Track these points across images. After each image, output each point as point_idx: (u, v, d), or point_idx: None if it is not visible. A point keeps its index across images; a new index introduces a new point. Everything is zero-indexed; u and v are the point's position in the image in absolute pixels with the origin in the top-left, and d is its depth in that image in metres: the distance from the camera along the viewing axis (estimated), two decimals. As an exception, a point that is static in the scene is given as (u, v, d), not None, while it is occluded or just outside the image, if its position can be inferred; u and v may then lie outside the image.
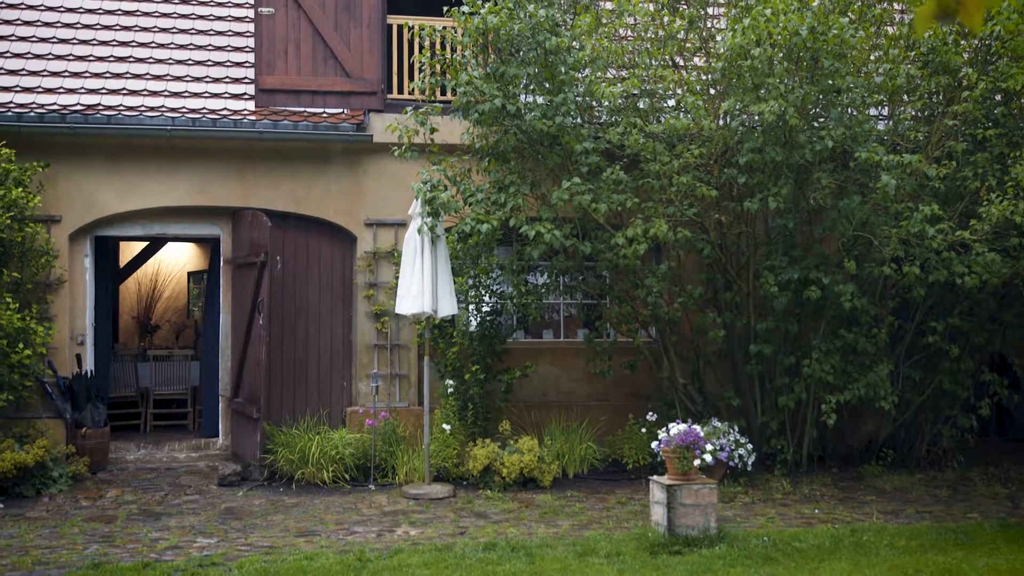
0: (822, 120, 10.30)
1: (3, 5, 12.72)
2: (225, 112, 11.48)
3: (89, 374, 11.20)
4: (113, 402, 12.75)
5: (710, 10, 11.28)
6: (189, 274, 16.42)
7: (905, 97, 10.50)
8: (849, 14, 10.15)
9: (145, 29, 12.80)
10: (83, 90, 11.60)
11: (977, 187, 9.73)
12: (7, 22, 12.50)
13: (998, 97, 10.35)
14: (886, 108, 11.12)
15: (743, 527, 8.34)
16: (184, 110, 11.43)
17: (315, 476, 10.32)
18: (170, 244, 15.44)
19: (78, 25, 12.66)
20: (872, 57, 10.41)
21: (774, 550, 7.39)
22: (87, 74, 11.88)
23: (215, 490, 10.15)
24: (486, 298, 11.57)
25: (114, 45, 12.45)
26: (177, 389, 13.58)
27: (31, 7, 12.77)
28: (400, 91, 12.09)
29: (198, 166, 11.48)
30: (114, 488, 10.14)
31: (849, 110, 10.29)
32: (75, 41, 12.41)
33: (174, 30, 12.88)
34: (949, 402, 11.26)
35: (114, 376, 13.16)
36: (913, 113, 10.71)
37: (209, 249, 13.39)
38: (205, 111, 11.45)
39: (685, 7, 10.86)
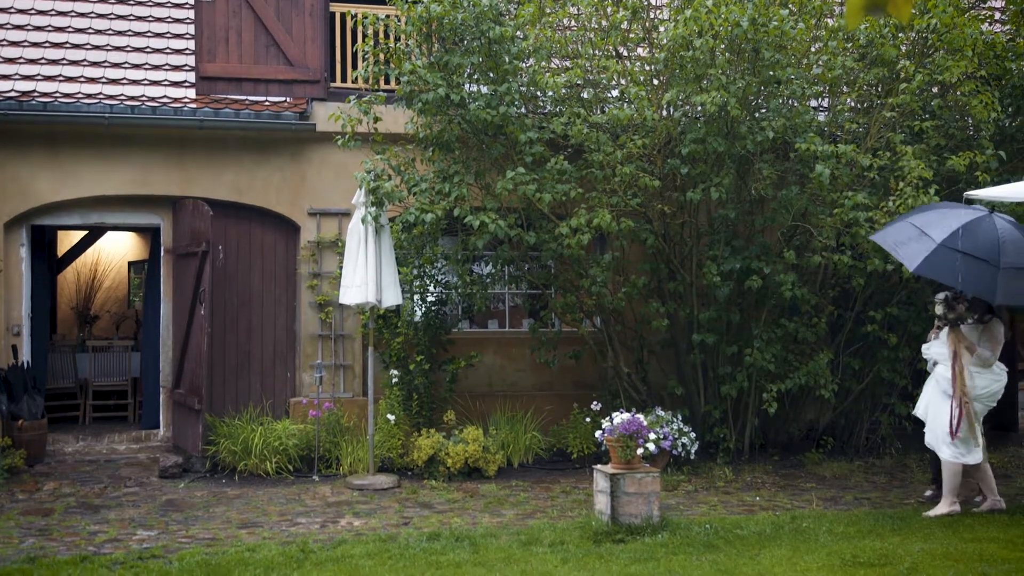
0: (763, 111, 10.40)
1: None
2: (165, 100, 11.30)
3: (25, 365, 10.99)
4: (51, 394, 12.54)
5: (653, 0, 11.32)
6: (130, 264, 16.17)
7: (844, 88, 10.63)
8: (789, 6, 10.25)
9: (82, 15, 12.55)
10: (17, 76, 11.35)
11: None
12: (-62, 6, 12.21)
13: (935, 89, 10.52)
14: (826, 99, 11.26)
15: (686, 515, 8.41)
16: (123, 97, 11.24)
17: (258, 467, 10.23)
18: (110, 233, 15.20)
19: (12, 10, 12.37)
20: (812, 49, 10.53)
21: (716, 537, 7.46)
22: (21, 60, 11.63)
23: (156, 482, 10.02)
24: (431, 288, 11.54)
25: (50, 31, 12.19)
26: (117, 380, 13.37)
27: (-37, -9, 12.48)
28: (343, 80, 12.00)
29: (138, 154, 11.29)
30: (52, 481, 9.97)
31: (789, 101, 10.42)
32: (9, 26, 12.14)
33: (112, 16, 12.64)
34: (887, 390, 11.44)
35: (52, 367, 12.92)
36: (852, 104, 10.84)
37: (150, 239, 13.19)
38: (144, 98, 11.27)
39: (629, -3, 10.89)
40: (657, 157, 10.42)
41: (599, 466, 8.05)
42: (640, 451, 7.83)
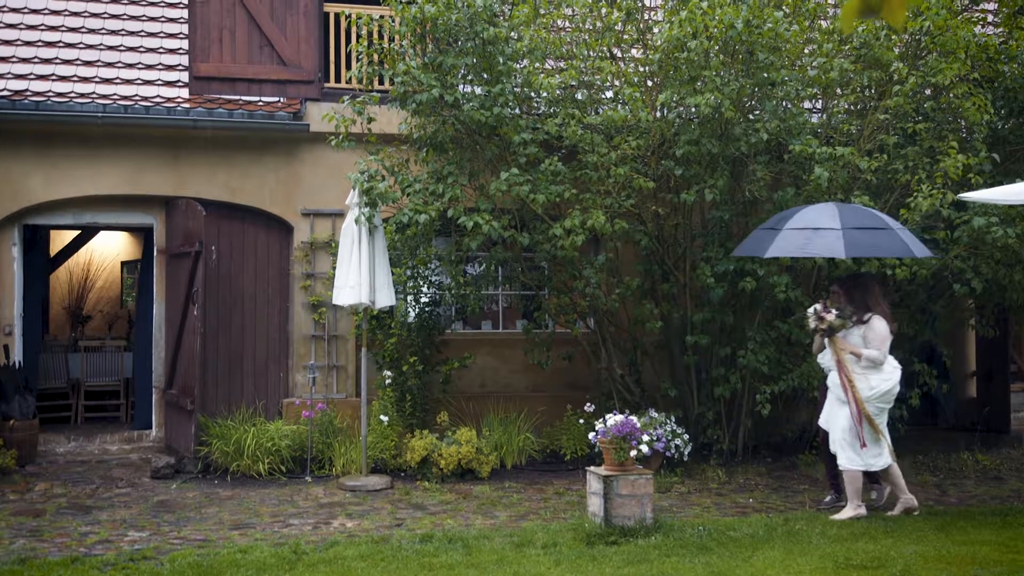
0: (757, 113, 10.40)
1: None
2: (158, 99, 11.29)
3: (17, 365, 10.96)
4: (43, 393, 12.49)
5: (647, 2, 11.32)
6: (122, 264, 16.15)
7: (838, 91, 10.63)
8: (784, 8, 10.26)
9: (76, 14, 12.51)
10: (10, 75, 11.32)
11: (908, 180, 9.89)
12: (-69, 4, 12.17)
13: (928, 91, 10.53)
14: (820, 101, 11.28)
15: (679, 517, 8.41)
16: (116, 96, 11.22)
17: (250, 468, 10.21)
18: (103, 233, 15.16)
19: (5, 9, 12.33)
20: (806, 51, 10.54)
21: (709, 539, 7.46)
22: (14, 59, 11.60)
23: (148, 483, 10.00)
24: (424, 289, 11.54)
25: (43, 29, 12.15)
26: (109, 380, 13.34)
27: (-44, -11, 12.44)
28: (337, 80, 11.98)
29: (131, 154, 11.27)
30: (43, 481, 9.94)
31: (784, 103, 10.41)
32: (2, 25, 12.10)
33: (106, 15, 12.60)
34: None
35: (44, 367, 12.90)
36: (846, 106, 10.85)
37: (143, 238, 13.17)
38: (138, 98, 11.25)
39: (623, -1, 10.89)
40: (651, 158, 10.43)
41: (592, 468, 8.05)
42: (633, 453, 7.84)
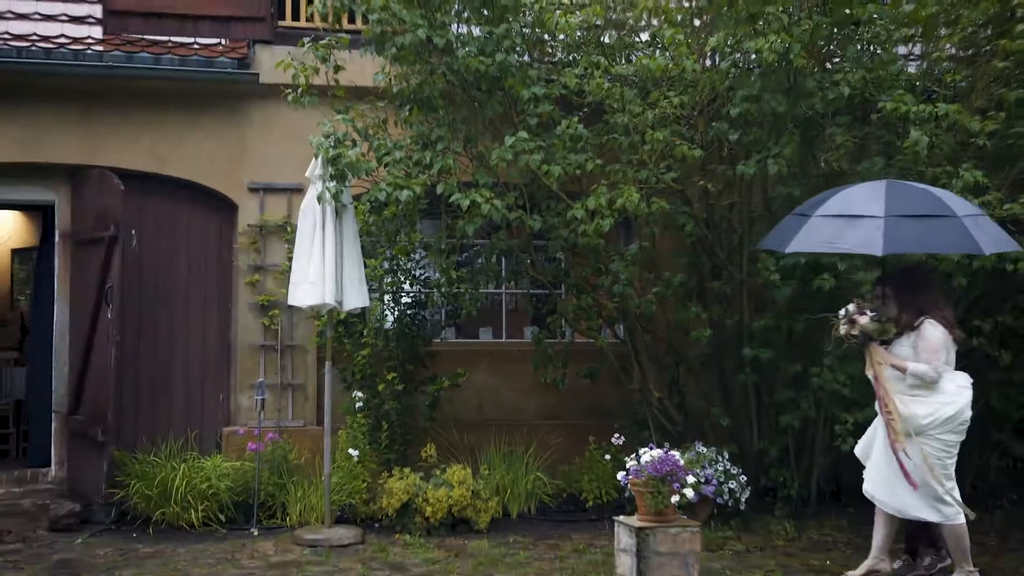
0: (836, 61, 10.47)
1: None
2: (63, 39, 11.38)
3: None
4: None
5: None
6: (13, 252, 16.23)
7: (942, 31, 10.69)
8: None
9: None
10: None
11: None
12: None
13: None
14: (918, 45, 11.33)
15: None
16: (7, 36, 11.31)
17: (180, 517, 10.32)
18: (-12, 213, 15.29)
19: None
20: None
21: (771, 611, 7.56)
22: None
23: (45, 536, 10.10)
24: (406, 286, 11.63)
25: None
26: (-4, 404, 13.47)
27: None
28: (295, 17, 12.08)
29: (26, 111, 11.37)
30: (-92, 535, 10.07)
31: (871, 48, 10.47)
32: None
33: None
34: (998, 423, 11.46)
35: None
36: (952, 51, 10.91)
37: (40, 220, 13.28)
38: (35, 37, 11.33)
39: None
40: (699, 120, 10.51)
41: (622, 518, 8.15)
42: (675, 498, 7.93)
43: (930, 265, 9.44)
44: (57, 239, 11.71)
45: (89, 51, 11.21)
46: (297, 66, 10.17)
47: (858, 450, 8.77)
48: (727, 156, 10.64)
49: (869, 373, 8.40)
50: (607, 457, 10.95)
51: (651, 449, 8.08)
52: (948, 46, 10.74)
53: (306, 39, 10.33)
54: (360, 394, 11.04)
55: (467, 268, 11.77)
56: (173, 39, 11.65)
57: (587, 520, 10.88)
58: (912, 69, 10.94)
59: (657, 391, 11.22)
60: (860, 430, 10.73)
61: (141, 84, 11.44)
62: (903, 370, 8.15)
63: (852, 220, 8.09)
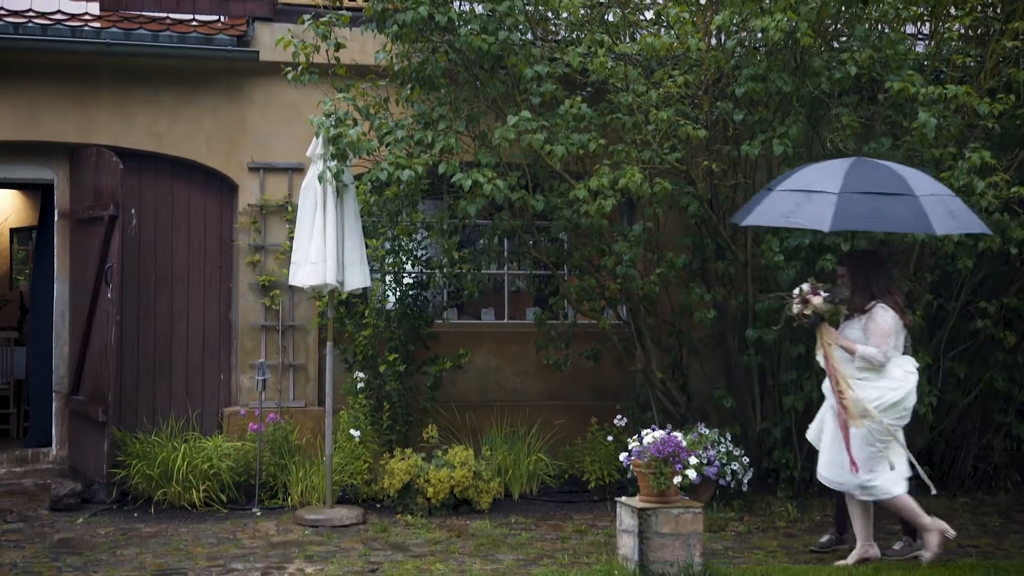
0: (844, 40, 10.44)
1: None
2: (59, 16, 11.36)
3: None
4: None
5: None
6: (12, 231, 16.22)
7: (952, 10, 10.65)
8: None
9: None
10: None
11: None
12: None
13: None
14: (927, 24, 11.29)
15: (736, 564, 8.52)
16: (2, 12, 11.28)
17: (181, 497, 10.35)
18: (-14, 191, 15.27)
19: None
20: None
21: (774, 593, 7.57)
22: None
23: (46, 516, 10.14)
24: (408, 267, 11.61)
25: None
26: (-4, 384, 13.48)
27: None
28: (296, -7, 12.05)
29: (23, 88, 11.35)
30: (-91, 515, 10.09)
31: (879, 26, 10.44)
32: None
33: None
34: (1002, 405, 11.50)
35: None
36: (961, 31, 10.87)
37: (39, 199, 13.25)
38: (32, 13, 11.32)
39: None
40: (703, 99, 10.49)
41: (624, 499, 8.16)
42: (678, 479, 7.93)
43: (875, 248, 9.48)
44: (56, 218, 11.70)
45: (86, 28, 11.19)
46: (297, 44, 10.17)
47: (810, 435, 8.96)
48: (732, 136, 10.63)
49: (819, 353, 8.54)
50: (609, 438, 10.96)
51: (654, 430, 8.08)
52: (958, 26, 10.68)
53: (306, 16, 10.31)
54: (361, 375, 11.05)
55: (469, 249, 11.75)
56: (171, 16, 11.62)
57: (589, 501, 10.91)
58: (920, 49, 10.92)
59: (660, 372, 11.23)
60: (864, 413, 10.78)
61: (139, 61, 11.42)
62: (852, 352, 8.28)
63: (809, 195, 8.23)
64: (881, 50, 10.01)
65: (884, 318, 8.30)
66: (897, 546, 8.92)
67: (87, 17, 11.42)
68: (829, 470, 8.52)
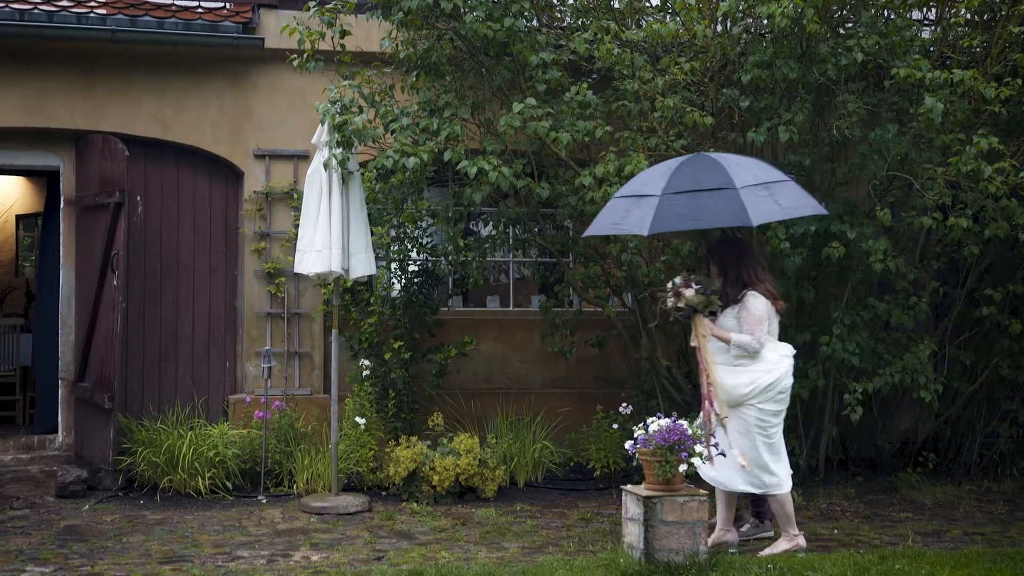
0: (850, 26, 10.43)
1: None
2: (65, 3, 11.37)
3: None
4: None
5: None
6: (17, 218, 16.26)
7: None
8: None
9: None
10: None
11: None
12: None
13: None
14: (933, 10, 11.27)
15: (742, 551, 8.54)
16: (9, -1, 11.33)
17: (187, 484, 10.39)
18: (-8, 178, 15.31)
19: None
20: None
21: (780, 580, 7.59)
22: None
23: (52, 503, 10.18)
24: (413, 254, 11.63)
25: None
26: (2, 370, 13.51)
27: None
28: (301, -20, 12.06)
29: (29, 75, 11.39)
30: (-83, 501, 10.13)
31: (885, 12, 10.43)
32: None
33: None
34: (1009, 392, 11.53)
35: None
36: (968, 16, 10.86)
37: (45, 185, 13.30)
38: (38, 0, 11.31)
39: None
40: (709, 86, 10.49)
41: (629, 487, 8.17)
42: (683, 468, 7.94)
43: (740, 237, 9.47)
44: (62, 205, 11.75)
45: (92, 14, 11.20)
46: (302, 31, 10.17)
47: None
48: (738, 123, 10.65)
49: (694, 344, 8.62)
50: (615, 426, 10.99)
51: (659, 418, 8.08)
52: (964, 11, 10.67)
53: (311, 3, 10.32)
54: (367, 362, 11.08)
55: (474, 236, 11.77)
56: (177, 3, 11.64)
57: (594, 489, 10.94)
58: (927, 34, 10.90)
59: (665, 360, 11.25)
60: (870, 401, 10.82)
61: (144, 48, 11.45)
62: (727, 341, 8.38)
63: (638, 200, 8.29)
64: (887, 36, 10.00)
65: (756, 305, 8.39)
66: (744, 528, 9.04)
67: (93, 4, 11.42)
68: (716, 470, 8.46)
